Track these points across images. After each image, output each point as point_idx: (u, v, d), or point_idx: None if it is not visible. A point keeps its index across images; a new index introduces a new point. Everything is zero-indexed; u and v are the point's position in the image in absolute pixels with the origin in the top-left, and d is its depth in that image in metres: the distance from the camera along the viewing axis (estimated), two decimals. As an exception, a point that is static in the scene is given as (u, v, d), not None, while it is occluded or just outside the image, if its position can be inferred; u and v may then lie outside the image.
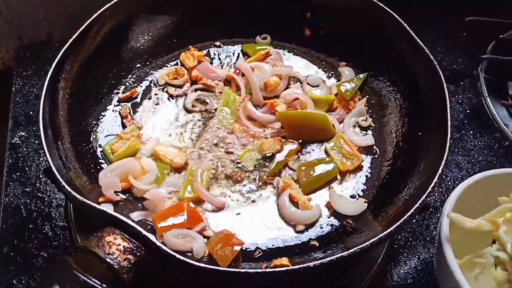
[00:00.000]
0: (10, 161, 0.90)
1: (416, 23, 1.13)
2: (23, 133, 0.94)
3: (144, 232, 0.59)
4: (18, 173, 0.89)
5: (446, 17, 1.15)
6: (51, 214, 0.84)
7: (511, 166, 0.85)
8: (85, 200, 0.63)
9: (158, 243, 0.59)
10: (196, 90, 0.90)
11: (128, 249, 0.59)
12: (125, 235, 0.60)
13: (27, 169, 0.90)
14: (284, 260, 0.67)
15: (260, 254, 0.71)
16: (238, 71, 0.90)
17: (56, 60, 0.77)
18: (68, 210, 0.83)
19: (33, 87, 1.02)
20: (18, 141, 0.93)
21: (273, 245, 0.72)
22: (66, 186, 0.65)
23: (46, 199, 0.86)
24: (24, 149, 0.92)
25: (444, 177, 0.92)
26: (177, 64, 0.93)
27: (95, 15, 0.84)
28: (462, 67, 1.10)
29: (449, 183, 0.92)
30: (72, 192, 0.64)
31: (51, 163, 0.67)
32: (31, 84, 1.02)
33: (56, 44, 1.09)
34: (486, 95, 1.00)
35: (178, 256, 0.60)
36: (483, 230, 0.67)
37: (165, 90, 0.89)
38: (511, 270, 0.65)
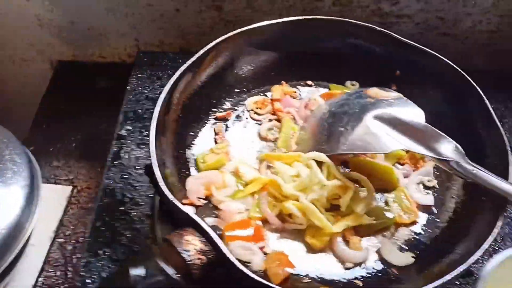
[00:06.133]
0: (114, 149, 1.06)
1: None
2: (130, 127, 1.10)
3: (217, 239, 0.71)
4: (119, 161, 1.05)
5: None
6: (139, 202, 0.99)
7: None
8: (175, 200, 0.76)
9: (226, 250, 0.71)
10: (270, 120, 1.01)
11: (202, 251, 0.71)
12: (202, 238, 0.72)
13: (126, 158, 1.05)
14: (329, 291, 0.76)
15: (308, 281, 0.80)
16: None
17: (176, 75, 0.91)
18: (154, 202, 0.97)
19: (144, 89, 1.18)
20: (125, 133, 1.09)
21: (321, 276, 0.80)
22: (162, 184, 0.78)
23: (138, 188, 1.01)
24: (128, 141, 1.08)
25: (496, 248, 0.95)
26: (267, 94, 1.05)
27: (212, 43, 0.96)
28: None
29: (503, 254, 0.95)
30: (166, 190, 0.77)
31: (153, 158, 0.80)
32: (143, 86, 1.18)
33: (170, 54, 1.26)
34: None
35: (240, 266, 0.70)
36: None
37: (250, 116, 1.02)
38: None
